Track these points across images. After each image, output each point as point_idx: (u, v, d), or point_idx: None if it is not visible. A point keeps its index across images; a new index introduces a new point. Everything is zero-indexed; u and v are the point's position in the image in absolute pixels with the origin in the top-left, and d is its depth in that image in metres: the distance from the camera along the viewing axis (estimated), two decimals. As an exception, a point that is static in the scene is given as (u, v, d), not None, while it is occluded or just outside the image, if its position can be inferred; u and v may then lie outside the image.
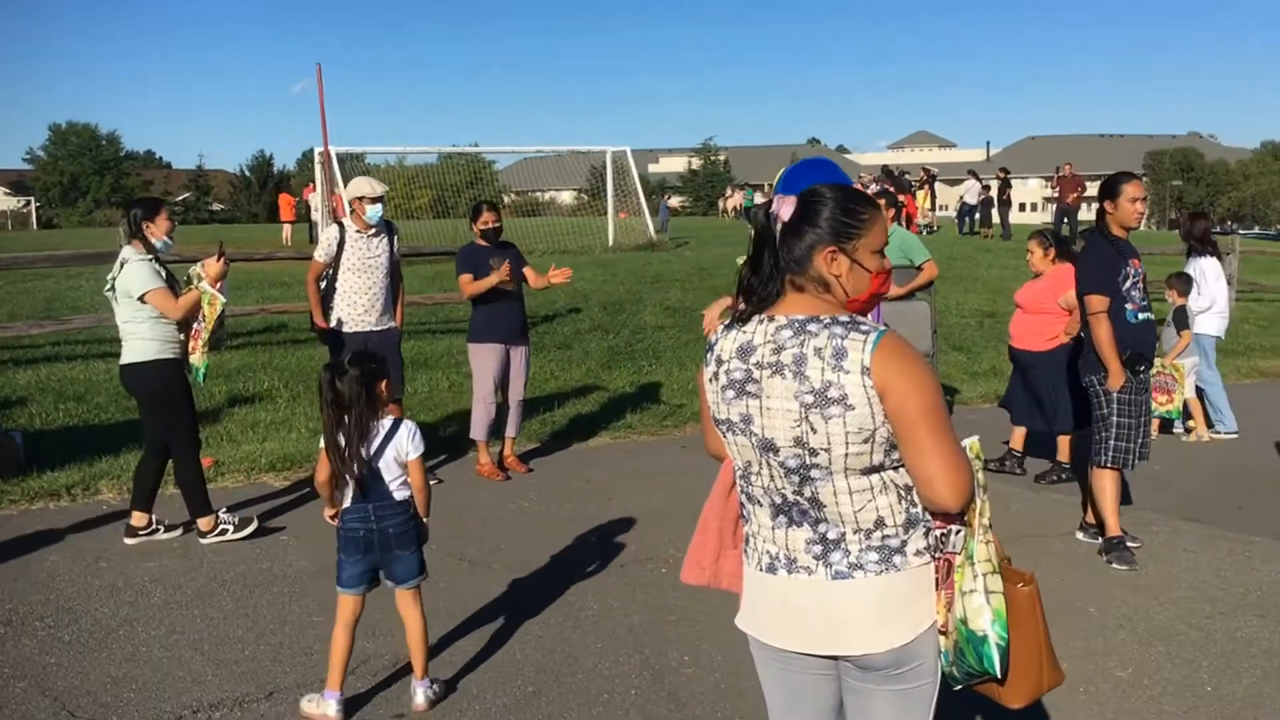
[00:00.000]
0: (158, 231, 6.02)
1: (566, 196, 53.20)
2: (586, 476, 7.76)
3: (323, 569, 5.45)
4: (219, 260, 5.98)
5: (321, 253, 7.11)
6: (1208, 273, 9.42)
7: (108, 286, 6.08)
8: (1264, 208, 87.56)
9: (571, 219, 29.86)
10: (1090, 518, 6.34)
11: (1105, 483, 5.97)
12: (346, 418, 3.96)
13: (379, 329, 7.07)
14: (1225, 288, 9.73)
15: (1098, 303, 5.87)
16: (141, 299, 5.86)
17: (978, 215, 28.79)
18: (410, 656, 4.23)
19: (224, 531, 6.14)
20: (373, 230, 7.09)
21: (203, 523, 6.13)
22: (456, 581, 5.56)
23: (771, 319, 2.33)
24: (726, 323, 2.46)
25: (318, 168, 21.54)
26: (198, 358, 6.05)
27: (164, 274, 6.03)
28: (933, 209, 31.12)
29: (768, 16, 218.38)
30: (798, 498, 2.31)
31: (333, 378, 3.95)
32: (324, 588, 5.04)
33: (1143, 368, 5.96)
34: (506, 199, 47.05)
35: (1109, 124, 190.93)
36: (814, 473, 2.26)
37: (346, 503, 4.08)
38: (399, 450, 4.04)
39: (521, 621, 5.03)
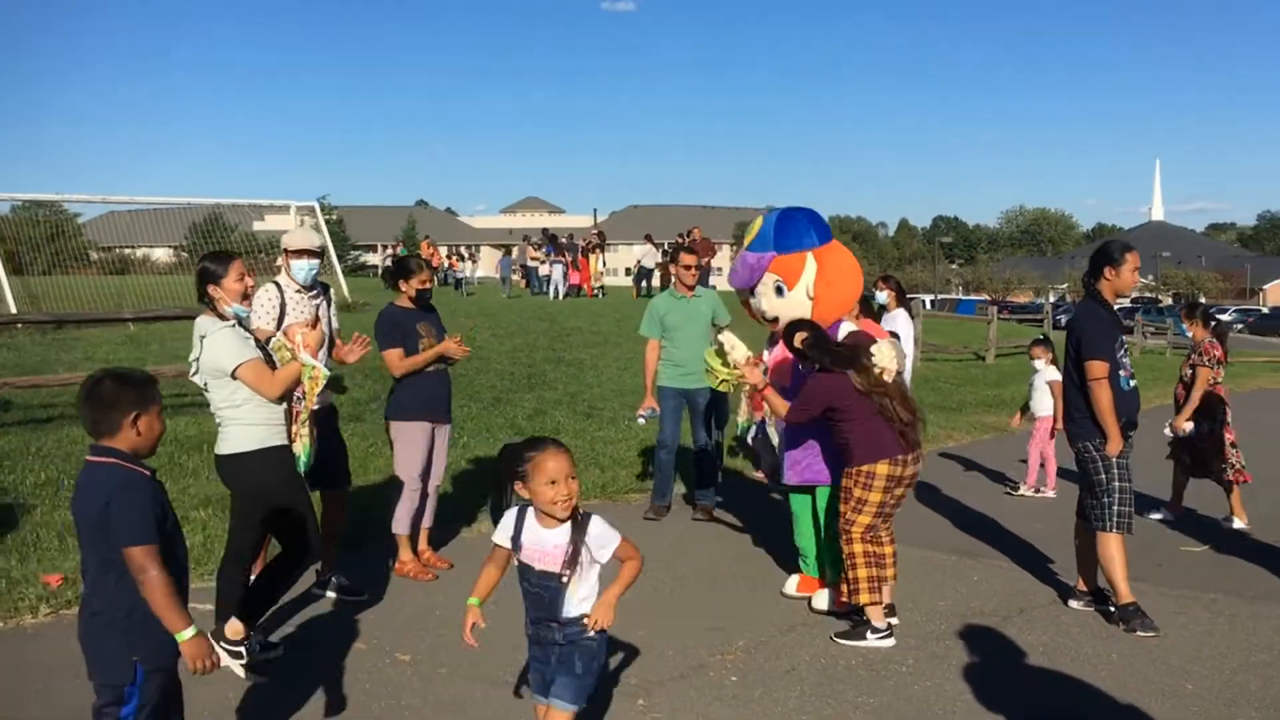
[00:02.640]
0: (229, 295, 4.74)
1: (162, 253, 49.22)
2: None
3: None
4: (315, 326, 4.96)
5: (264, 318, 5.74)
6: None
7: (193, 371, 4.72)
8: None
9: (172, 278, 26.96)
10: (1083, 585, 6.32)
11: (1113, 549, 5.96)
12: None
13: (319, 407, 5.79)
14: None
15: (1100, 369, 5.88)
16: (234, 374, 4.60)
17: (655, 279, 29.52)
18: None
19: (238, 656, 4.75)
20: (313, 291, 5.89)
21: (231, 629, 4.81)
22: None
23: None
24: None
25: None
26: (300, 445, 4.70)
27: (254, 342, 4.79)
28: (603, 271, 31.60)
29: (379, 75, 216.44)
30: None
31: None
32: None
33: (1131, 433, 6.06)
34: (93, 255, 42.65)
35: (702, 196, 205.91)
36: None
37: None
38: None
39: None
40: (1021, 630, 5.83)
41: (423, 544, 6.75)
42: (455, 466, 9.19)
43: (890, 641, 5.52)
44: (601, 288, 30.21)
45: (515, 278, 33.53)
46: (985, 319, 26.57)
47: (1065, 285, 79.23)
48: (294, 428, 4.85)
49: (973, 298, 65.19)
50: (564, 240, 31.63)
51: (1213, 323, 8.88)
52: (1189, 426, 8.39)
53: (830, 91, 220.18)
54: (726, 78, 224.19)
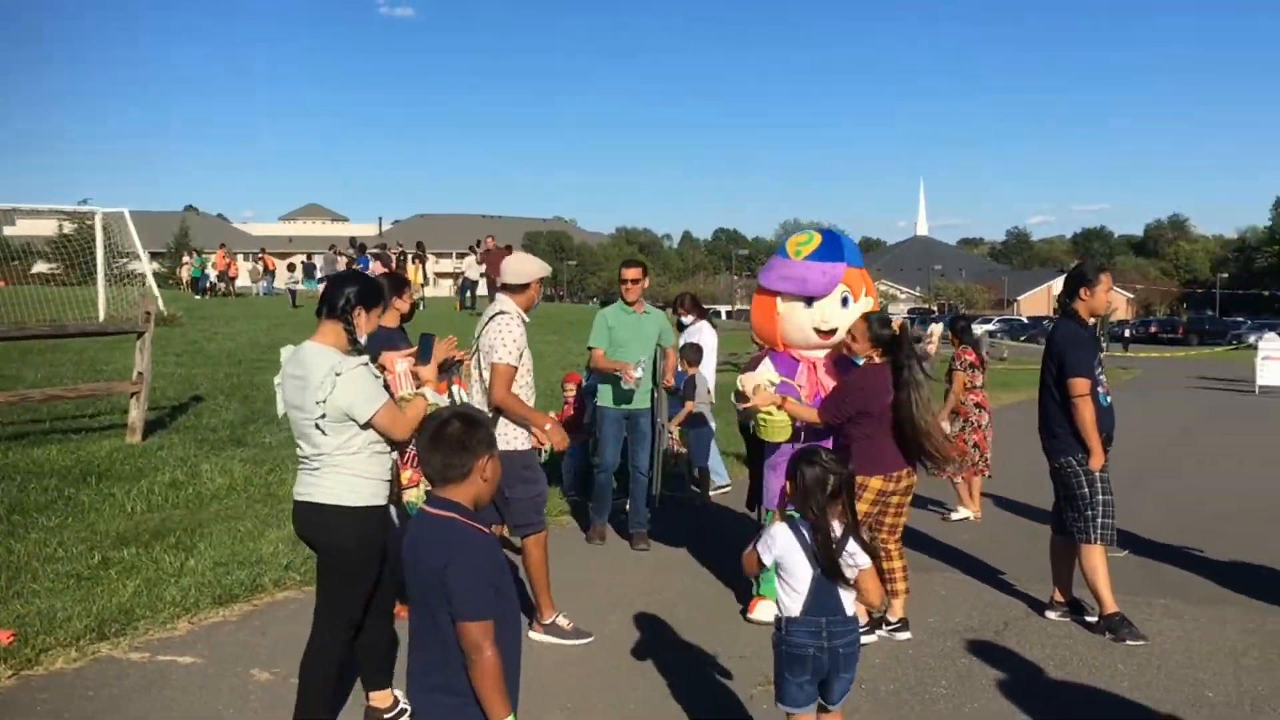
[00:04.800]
0: (370, 325, 4.24)
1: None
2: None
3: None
4: (431, 362, 4.47)
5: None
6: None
7: (319, 414, 4.01)
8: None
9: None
10: (1060, 596, 6.52)
11: (1097, 560, 6.18)
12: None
13: None
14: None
15: (1083, 386, 6.10)
16: (369, 421, 4.00)
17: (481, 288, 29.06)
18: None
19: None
20: None
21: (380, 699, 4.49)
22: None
23: None
24: None
25: None
26: (417, 492, 4.14)
27: (383, 380, 4.23)
28: (425, 284, 30.85)
29: (143, 70, 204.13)
30: None
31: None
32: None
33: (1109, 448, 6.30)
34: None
35: (490, 206, 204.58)
36: None
37: (794, 612, 3.76)
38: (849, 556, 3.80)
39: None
40: (1022, 644, 5.96)
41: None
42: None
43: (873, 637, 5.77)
44: (422, 299, 29.41)
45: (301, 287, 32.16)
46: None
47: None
48: (414, 474, 4.36)
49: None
50: (375, 249, 30.70)
51: (966, 333, 9.84)
52: (947, 427, 8.97)
53: (614, 103, 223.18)
54: (510, 86, 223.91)
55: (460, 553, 2.87)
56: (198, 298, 32.13)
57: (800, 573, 3.77)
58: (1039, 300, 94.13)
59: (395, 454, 4.29)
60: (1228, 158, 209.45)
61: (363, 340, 4.24)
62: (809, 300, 6.24)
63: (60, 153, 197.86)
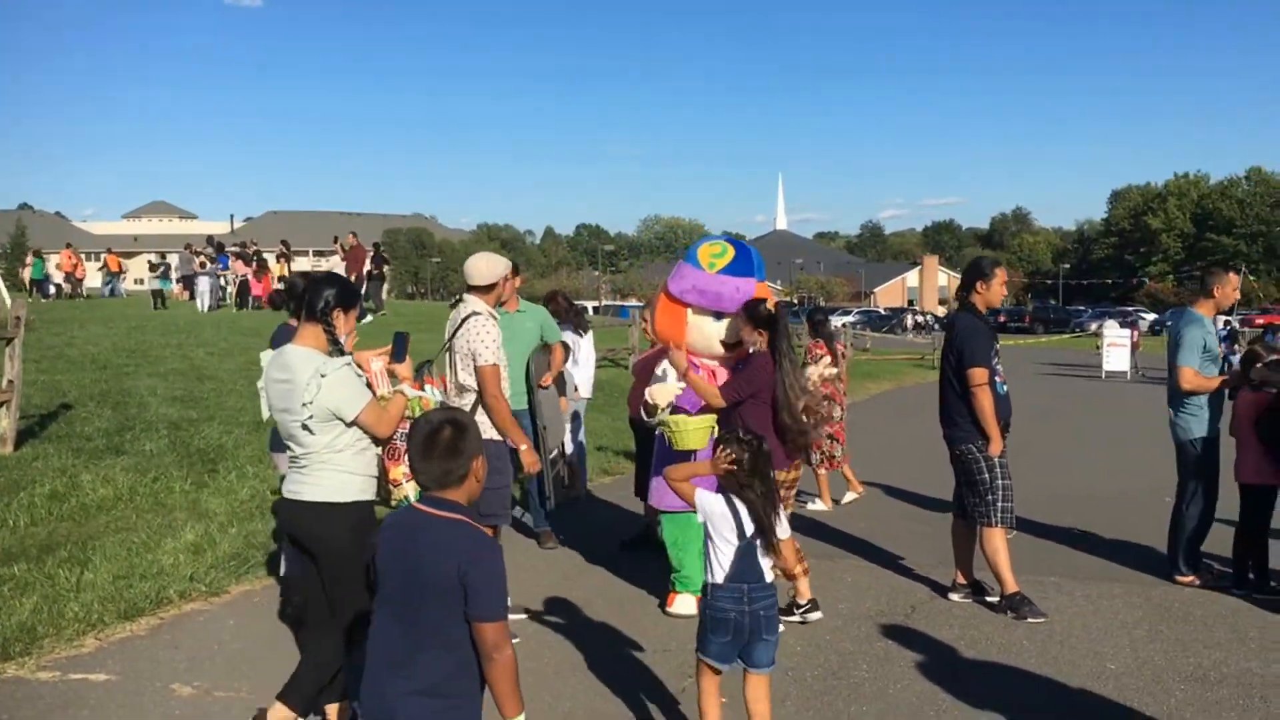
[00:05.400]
0: (348, 326, 4.28)
1: None
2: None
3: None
4: (406, 359, 4.50)
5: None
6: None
7: (306, 415, 4.00)
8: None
9: None
10: (962, 579, 6.79)
11: (998, 543, 6.46)
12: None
13: None
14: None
15: (982, 375, 6.37)
16: (355, 420, 4.07)
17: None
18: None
19: None
20: None
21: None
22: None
23: None
24: None
25: None
26: (413, 487, 4.07)
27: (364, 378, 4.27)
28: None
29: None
30: None
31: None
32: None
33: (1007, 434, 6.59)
34: None
35: (344, 202, 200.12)
36: None
37: (717, 578, 4.14)
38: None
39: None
40: (931, 626, 6.19)
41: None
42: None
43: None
44: (286, 299, 28.65)
45: (175, 288, 31.10)
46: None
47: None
48: (401, 468, 4.29)
49: (627, 304, 67.51)
50: (235, 249, 29.81)
51: (821, 327, 10.14)
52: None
53: (471, 97, 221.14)
54: (362, 79, 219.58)
55: (482, 555, 2.94)
56: (44, 300, 30.57)
57: (725, 542, 4.15)
58: (895, 292, 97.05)
59: (379, 450, 4.33)
60: (1066, 154, 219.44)
61: (343, 341, 4.27)
62: (719, 314, 6.37)
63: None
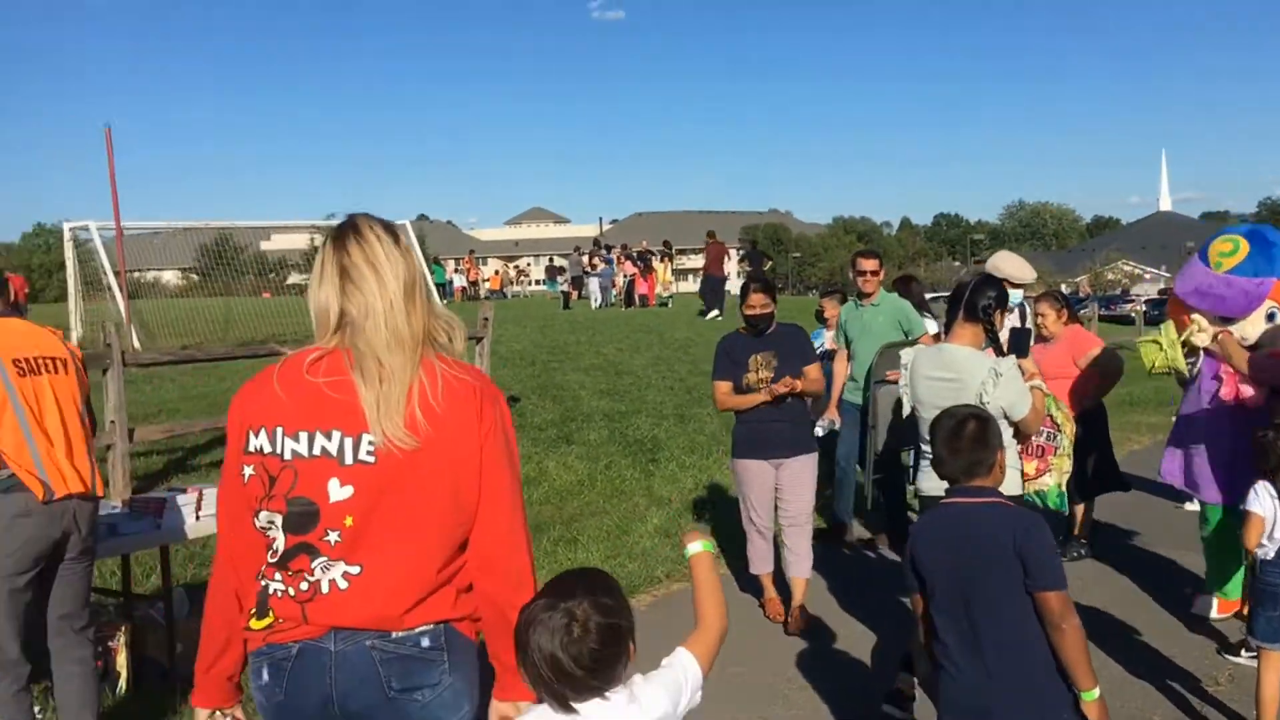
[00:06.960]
0: (1000, 325, 4.76)
1: (171, 276, 48.37)
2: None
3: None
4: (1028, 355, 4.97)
5: None
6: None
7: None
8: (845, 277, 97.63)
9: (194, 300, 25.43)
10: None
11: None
12: None
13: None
14: None
15: None
16: (1019, 418, 4.47)
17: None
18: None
19: None
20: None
21: None
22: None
23: None
24: None
25: (67, 244, 18.01)
26: (1057, 476, 4.81)
27: None
28: (672, 281, 31.40)
29: (374, 87, 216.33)
30: None
31: None
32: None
33: None
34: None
35: (704, 201, 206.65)
36: None
37: (1270, 555, 4.27)
38: None
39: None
40: None
41: (796, 595, 6.12)
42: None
43: None
44: (671, 297, 29.93)
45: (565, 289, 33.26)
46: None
47: (1082, 278, 79.26)
48: (1034, 463, 4.61)
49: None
50: (619, 250, 31.41)
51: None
52: None
53: (798, 89, 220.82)
54: (716, 82, 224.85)
55: (1031, 528, 3.01)
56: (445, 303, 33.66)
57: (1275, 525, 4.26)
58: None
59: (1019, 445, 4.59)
60: None
61: (1001, 340, 4.62)
62: (1225, 320, 5.63)
63: (302, 164, 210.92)
